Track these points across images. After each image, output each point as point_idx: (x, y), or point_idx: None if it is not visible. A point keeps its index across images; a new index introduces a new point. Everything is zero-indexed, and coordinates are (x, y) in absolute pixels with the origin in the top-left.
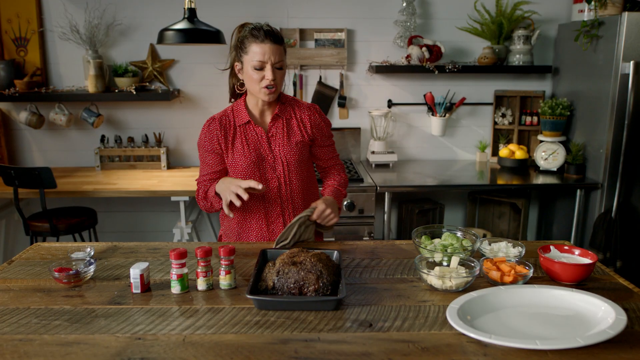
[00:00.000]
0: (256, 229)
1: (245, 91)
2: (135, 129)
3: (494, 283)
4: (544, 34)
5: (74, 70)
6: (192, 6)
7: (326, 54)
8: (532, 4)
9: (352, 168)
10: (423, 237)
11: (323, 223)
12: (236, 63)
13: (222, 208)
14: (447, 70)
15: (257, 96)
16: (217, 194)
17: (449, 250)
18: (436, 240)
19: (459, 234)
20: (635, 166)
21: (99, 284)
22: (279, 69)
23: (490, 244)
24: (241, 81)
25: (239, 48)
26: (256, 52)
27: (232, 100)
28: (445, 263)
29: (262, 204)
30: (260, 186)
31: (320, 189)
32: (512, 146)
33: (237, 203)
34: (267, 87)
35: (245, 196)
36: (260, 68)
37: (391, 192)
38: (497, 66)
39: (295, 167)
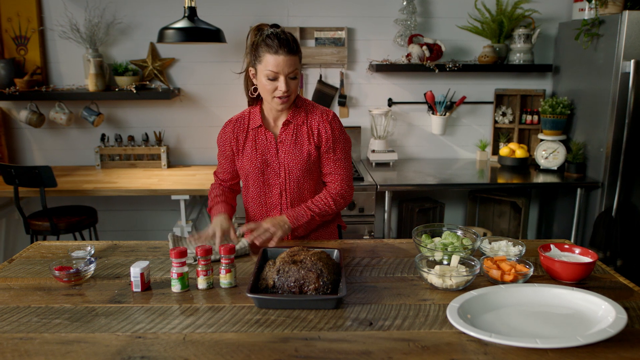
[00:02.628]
0: None
1: (253, 96)
2: (135, 128)
3: (494, 282)
4: (545, 33)
5: (74, 69)
6: (193, 5)
7: (326, 52)
8: (532, 2)
9: (352, 166)
10: (423, 235)
11: (258, 243)
12: (250, 68)
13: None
14: (448, 69)
15: (270, 105)
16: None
17: (449, 249)
18: (436, 239)
19: (459, 232)
20: (635, 165)
21: (99, 283)
22: (293, 78)
23: (490, 243)
24: (255, 86)
25: (253, 54)
26: (269, 62)
27: (251, 103)
28: (445, 262)
29: (265, 209)
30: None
31: None
32: (513, 145)
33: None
34: (279, 97)
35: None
36: (274, 79)
37: (391, 190)
38: (497, 65)
39: (298, 176)
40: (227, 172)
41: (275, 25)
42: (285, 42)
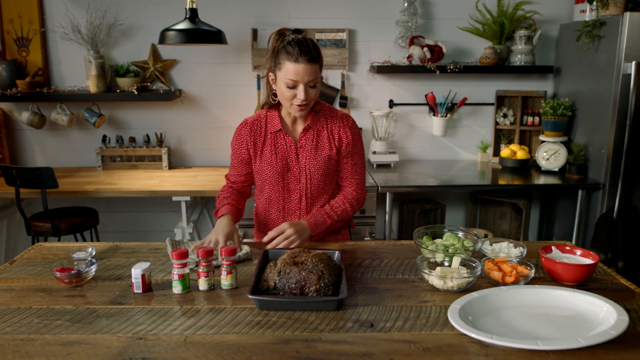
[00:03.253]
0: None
1: (274, 102)
2: (136, 129)
3: (495, 283)
4: (546, 34)
5: (75, 70)
6: (194, 6)
7: (327, 54)
8: (533, 4)
9: None
10: (424, 237)
11: (282, 247)
12: (270, 74)
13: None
14: (449, 71)
15: (289, 111)
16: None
17: (450, 251)
18: (437, 241)
19: (460, 234)
20: (637, 166)
21: (100, 284)
22: (313, 87)
23: (491, 245)
24: (274, 91)
25: (274, 60)
26: (289, 70)
27: (265, 104)
28: (446, 263)
29: (282, 214)
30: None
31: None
32: (514, 146)
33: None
34: (298, 105)
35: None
36: (293, 87)
37: (392, 192)
38: (498, 66)
39: (319, 181)
40: (240, 174)
41: (297, 31)
42: (307, 50)
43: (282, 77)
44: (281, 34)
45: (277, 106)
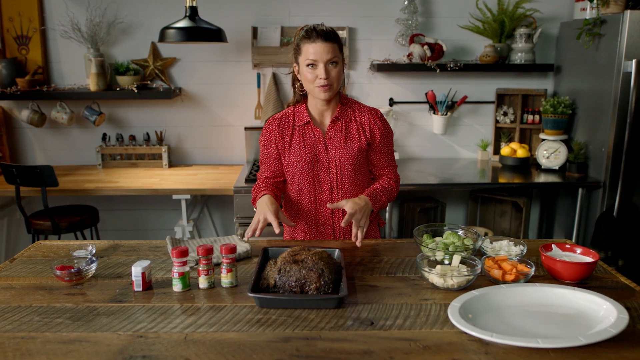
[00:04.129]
0: (305, 229)
1: (306, 93)
2: (136, 127)
3: (495, 281)
4: (546, 32)
5: (75, 68)
6: (194, 4)
7: None
8: (534, 2)
9: None
10: (425, 235)
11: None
12: (294, 65)
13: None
14: (449, 69)
15: (314, 95)
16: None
17: (450, 249)
18: (438, 239)
19: (460, 232)
20: (637, 165)
21: (100, 282)
22: (334, 64)
23: (491, 243)
24: (300, 82)
25: (295, 50)
26: (308, 51)
27: (294, 101)
28: (446, 261)
29: (314, 205)
30: (277, 230)
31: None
32: (514, 145)
33: (256, 232)
34: (321, 85)
35: (257, 233)
36: (313, 65)
37: None
38: (498, 64)
39: (349, 171)
40: (271, 169)
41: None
42: (322, 31)
43: (303, 61)
44: (303, 28)
45: (304, 101)
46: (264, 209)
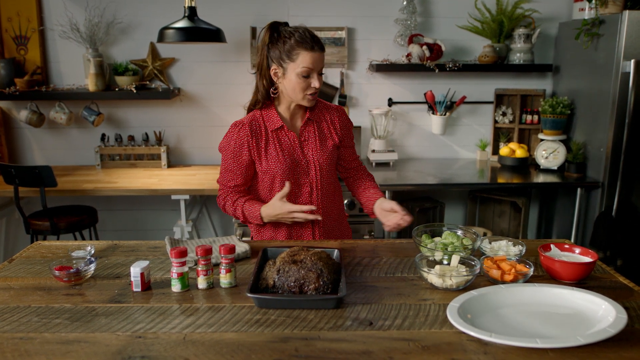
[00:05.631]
0: (285, 232)
1: (274, 96)
2: (135, 128)
3: (494, 282)
4: (545, 33)
5: (74, 68)
6: (193, 5)
7: (327, 52)
8: (532, 2)
9: None
10: (423, 235)
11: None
12: (273, 67)
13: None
14: (448, 69)
15: (297, 102)
16: (262, 220)
17: (449, 249)
18: (437, 239)
19: (459, 232)
20: (635, 165)
21: (99, 283)
22: (321, 74)
23: (490, 243)
24: (276, 85)
25: (282, 53)
26: (305, 60)
27: (256, 103)
28: (445, 262)
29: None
30: (312, 217)
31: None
32: (513, 145)
33: (312, 217)
34: (311, 94)
35: (311, 217)
36: (307, 75)
37: (392, 190)
38: (497, 65)
39: (327, 170)
40: (242, 177)
41: (286, 24)
42: (316, 39)
43: (295, 67)
44: (274, 27)
45: (271, 104)
46: (279, 208)
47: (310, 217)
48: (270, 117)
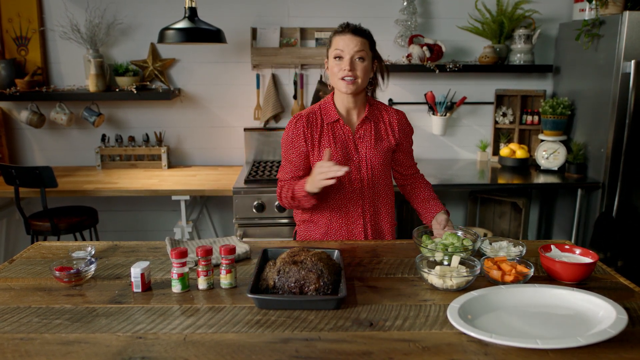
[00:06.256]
0: (336, 228)
1: (333, 89)
2: (136, 128)
3: (494, 282)
4: (545, 33)
5: (74, 69)
6: (193, 5)
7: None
8: (533, 3)
9: None
10: (424, 236)
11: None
12: (325, 61)
13: (310, 207)
14: (448, 70)
15: (337, 89)
16: (308, 194)
17: (449, 250)
18: (437, 240)
19: (459, 233)
20: (636, 166)
21: (99, 283)
22: (361, 59)
23: (491, 243)
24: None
25: (328, 46)
26: (336, 42)
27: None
28: (445, 262)
29: (344, 203)
30: (343, 170)
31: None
32: (513, 145)
33: (332, 181)
34: (344, 78)
35: (341, 172)
36: (339, 57)
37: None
38: (498, 65)
39: (380, 170)
40: (301, 169)
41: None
42: (353, 25)
43: (331, 52)
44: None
45: (330, 96)
46: (316, 173)
47: (338, 171)
48: (328, 111)
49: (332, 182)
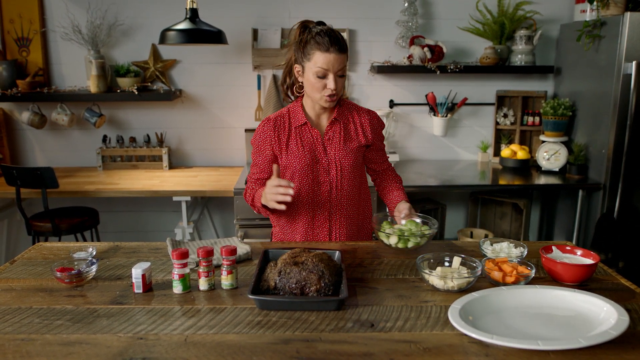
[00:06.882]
0: (301, 231)
1: (302, 95)
2: (137, 129)
3: (495, 283)
4: (546, 34)
5: (76, 70)
6: (194, 6)
7: None
8: (534, 4)
9: None
10: (384, 222)
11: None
12: (296, 65)
13: (270, 213)
14: (449, 71)
15: (316, 102)
16: (264, 206)
17: (406, 234)
18: (397, 226)
19: (418, 220)
20: (637, 166)
21: (100, 284)
22: (341, 76)
23: (492, 245)
24: (300, 84)
25: (301, 52)
26: (320, 60)
27: (287, 98)
28: (447, 263)
29: (311, 206)
30: (290, 191)
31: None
32: (514, 146)
33: (283, 207)
34: (328, 95)
35: (288, 197)
36: (323, 76)
37: None
38: (499, 66)
39: (349, 172)
40: (266, 171)
41: (322, 23)
42: (336, 40)
43: (311, 67)
44: (305, 25)
45: (299, 99)
46: (267, 190)
47: (281, 197)
48: (296, 114)
49: (282, 207)
